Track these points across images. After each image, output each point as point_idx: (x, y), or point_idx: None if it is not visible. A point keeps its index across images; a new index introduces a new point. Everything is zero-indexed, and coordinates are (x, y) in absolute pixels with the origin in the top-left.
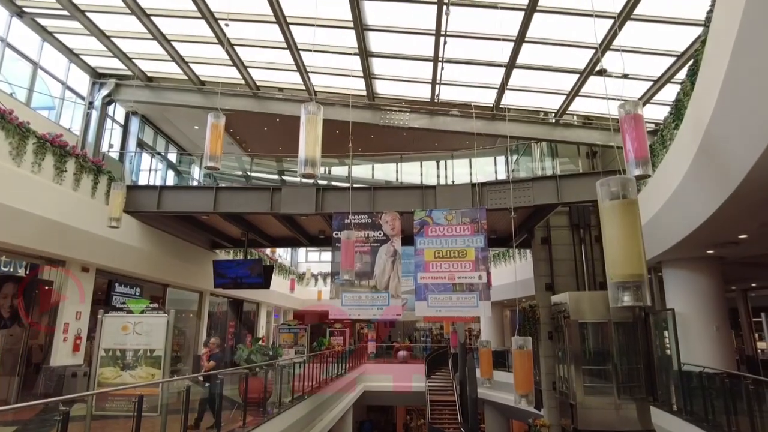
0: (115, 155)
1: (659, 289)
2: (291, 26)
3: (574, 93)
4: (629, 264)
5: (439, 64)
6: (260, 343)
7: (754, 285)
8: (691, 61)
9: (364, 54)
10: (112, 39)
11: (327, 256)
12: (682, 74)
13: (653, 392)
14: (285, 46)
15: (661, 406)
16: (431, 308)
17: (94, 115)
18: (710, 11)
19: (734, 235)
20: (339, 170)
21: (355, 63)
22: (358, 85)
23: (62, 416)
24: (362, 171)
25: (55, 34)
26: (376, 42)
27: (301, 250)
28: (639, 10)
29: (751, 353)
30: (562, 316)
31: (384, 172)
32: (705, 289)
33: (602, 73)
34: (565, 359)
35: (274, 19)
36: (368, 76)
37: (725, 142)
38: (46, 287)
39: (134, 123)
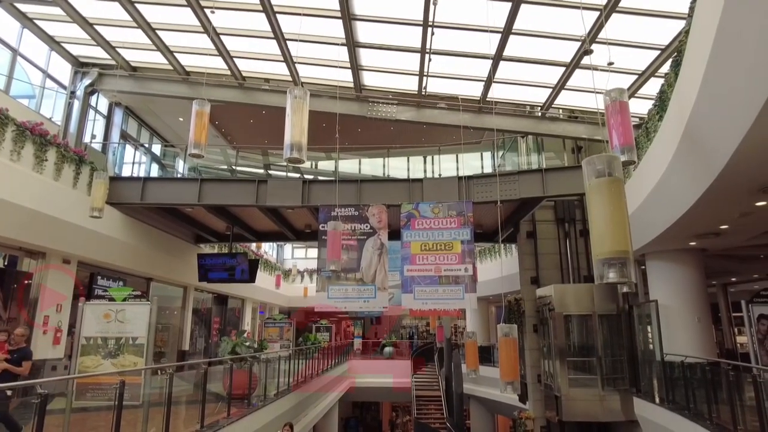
0: (97, 146)
1: (643, 282)
2: (278, 15)
3: (560, 86)
4: (615, 241)
5: (427, 56)
6: (245, 335)
7: (734, 279)
8: (675, 53)
9: (352, 44)
10: (95, 27)
11: (313, 252)
12: (665, 68)
13: (636, 383)
14: (272, 35)
15: (644, 397)
16: (418, 301)
17: (76, 104)
18: (694, 1)
19: (715, 225)
20: (326, 165)
21: (343, 54)
22: (346, 77)
23: (40, 399)
24: (349, 166)
25: (36, 21)
26: (363, 32)
27: (287, 247)
28: (624, 3)
29: (731, 347)
30: (547, 309)
31: (371, 166)
32: (687, 280)
33: (588, 53)
34: (550, 352)
35: (260, 8)
36: (356, 67)
37: (707, 131)
38: (26, 280)
39: (118, 114)
